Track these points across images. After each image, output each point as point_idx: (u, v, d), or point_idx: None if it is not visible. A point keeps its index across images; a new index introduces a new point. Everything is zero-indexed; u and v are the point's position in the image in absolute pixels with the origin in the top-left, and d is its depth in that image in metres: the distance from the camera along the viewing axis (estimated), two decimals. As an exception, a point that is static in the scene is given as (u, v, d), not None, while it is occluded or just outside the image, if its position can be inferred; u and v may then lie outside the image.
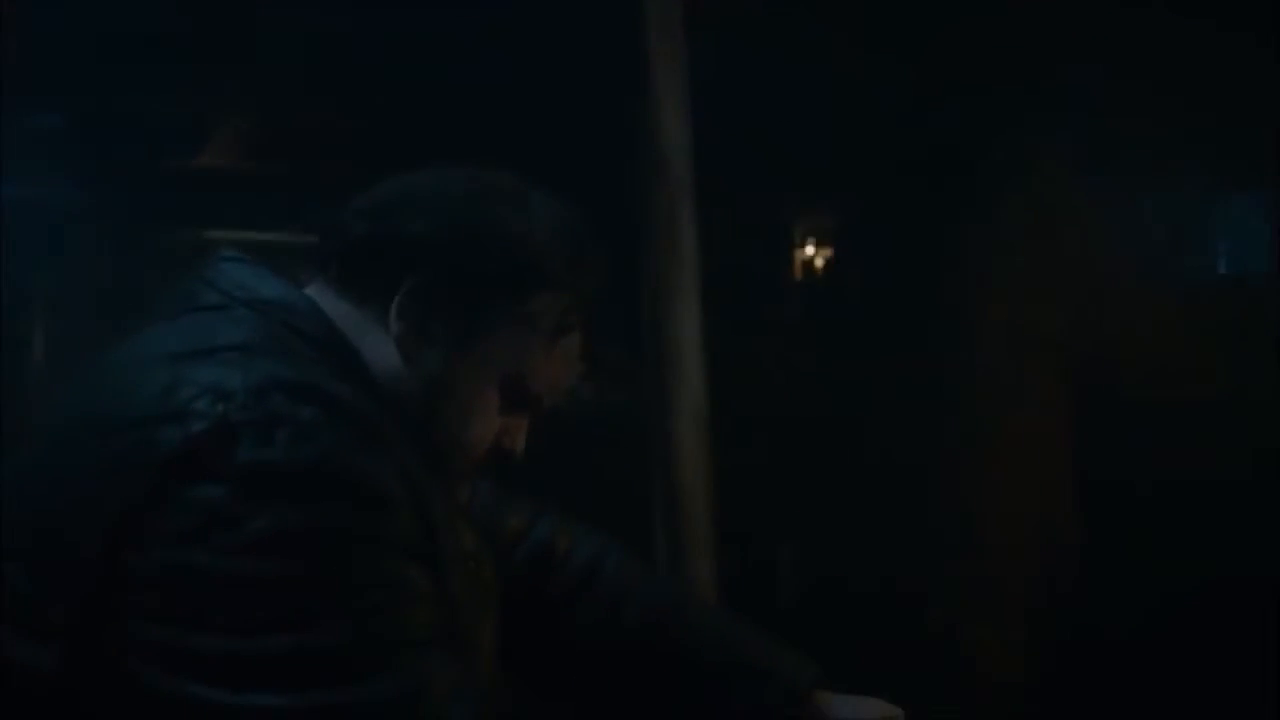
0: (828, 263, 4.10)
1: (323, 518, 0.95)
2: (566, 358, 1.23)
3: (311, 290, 1.17)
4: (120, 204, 3.67)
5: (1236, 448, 3.06)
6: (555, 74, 3.33)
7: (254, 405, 0.97)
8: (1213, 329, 3.45)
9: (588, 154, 3.12)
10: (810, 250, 4.10)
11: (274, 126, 4.09)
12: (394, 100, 3.49)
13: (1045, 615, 2.95)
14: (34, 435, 1.08)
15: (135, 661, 0.92)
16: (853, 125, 3.53)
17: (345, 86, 3.60)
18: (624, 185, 2.69)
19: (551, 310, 1.19)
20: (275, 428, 0.96)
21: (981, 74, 2.96)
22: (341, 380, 1.05)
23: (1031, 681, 2.90)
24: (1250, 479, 3.11)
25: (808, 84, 3.66)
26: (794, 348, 3.89)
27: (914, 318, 3.11)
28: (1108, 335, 2.93)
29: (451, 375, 1.16)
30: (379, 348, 1.14)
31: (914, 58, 3.42)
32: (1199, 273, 3.86)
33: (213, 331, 1.06)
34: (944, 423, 2.96)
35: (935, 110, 3.35)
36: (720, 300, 2.77)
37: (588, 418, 3.26)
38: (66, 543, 0.95)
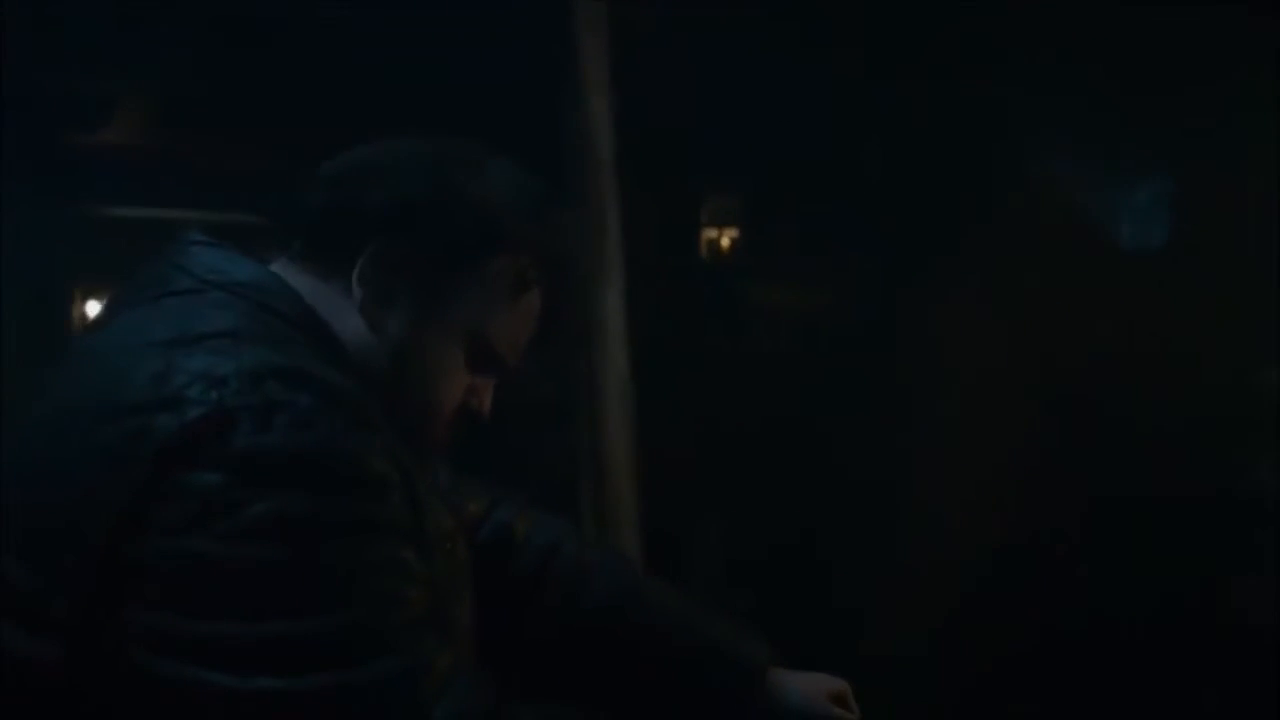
0: (734, 243, 4.18)
1: (322, 503, 0.96)
2: (527, 316, 1.24)
3: (277, 267, 1.18)
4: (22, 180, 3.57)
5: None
6: (482, 58, 3.30)
7: (249, 391, 0.97)
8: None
9: (513, 139, 3.12)
10: (718, 234, 4.17)
11: (176, 103, 4.00)
12: (309, 76, 3.44)
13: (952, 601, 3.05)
14: (17, 425, 1.07)
15: (138, 650, 0.93)
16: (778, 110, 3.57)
17: (257, 65, 3.54)
18: (550, 169, 2.71)
19: (509, 270, 1.21)
20: (273, 414, 0.97)
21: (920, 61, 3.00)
22: (321, 360, 1.07)
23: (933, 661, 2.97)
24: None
25: (724, 67, 3.70)
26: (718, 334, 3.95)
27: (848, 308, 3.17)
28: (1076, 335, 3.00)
29: (415, 339, 1.17)
30: (347, 320, 1.16)
31: (837, 42, 3.49)
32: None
33: (196, 317, 1.06)
34: (869, 407, 3.03)
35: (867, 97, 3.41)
36: (644, 283, 2.81)
37: (514, 398, 3.27)
38: (66, 535, 0.95)
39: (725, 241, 4.17)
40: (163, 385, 0.98)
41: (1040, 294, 3.01)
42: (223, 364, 0.99)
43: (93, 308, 5.41)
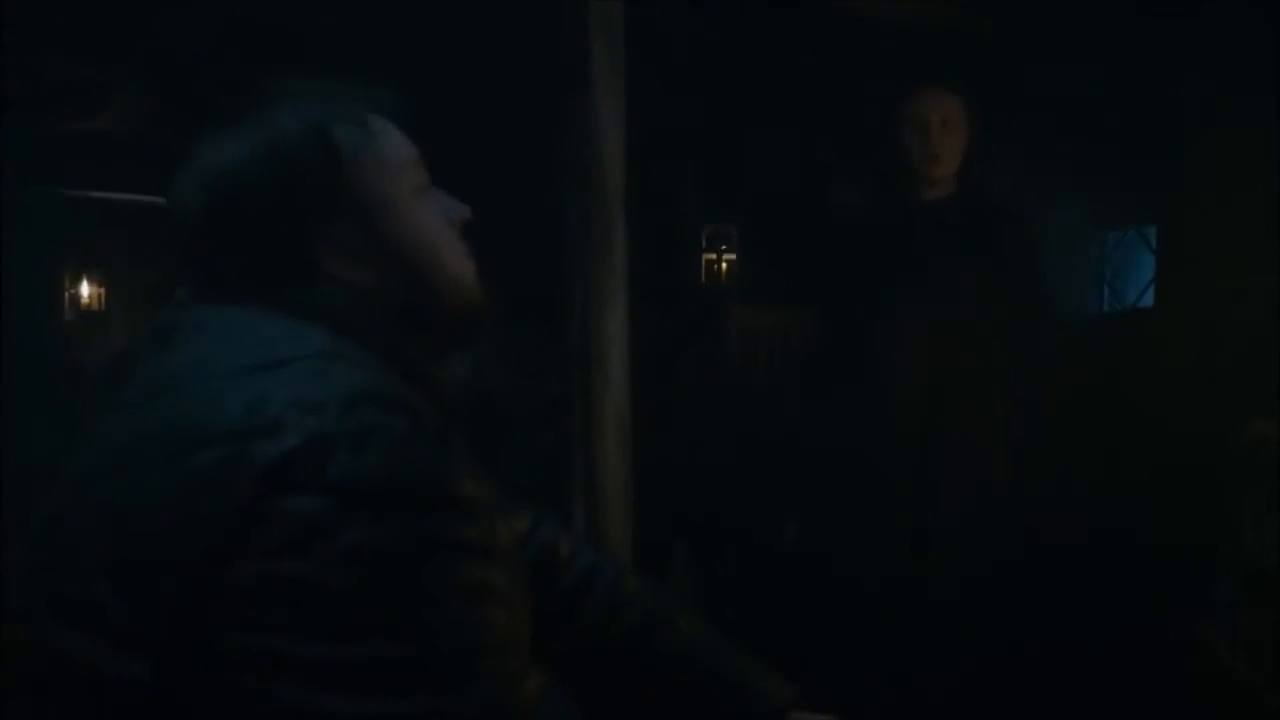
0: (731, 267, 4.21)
1: (417, 528, 0.99)
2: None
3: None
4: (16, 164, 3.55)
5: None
6: (494, 75, 3.30)
7: (345, 416, 1.00)
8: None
9: (523, 159, 3.15)
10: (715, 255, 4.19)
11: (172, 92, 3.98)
12: (309, 71, 3.43)
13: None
14: (89, 453, 1.08)
15: (248, 673, 0.95)
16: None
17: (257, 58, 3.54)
18: (557, 190, 2.72)
19: None
20: (369, 439, 0.99)
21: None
22: (397, 379, 1.10)
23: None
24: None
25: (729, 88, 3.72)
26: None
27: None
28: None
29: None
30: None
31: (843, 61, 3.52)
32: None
33: (278, 341, 1.09)
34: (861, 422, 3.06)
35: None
36: (644, 303, 2.82)
37: (509, 414, 3.30)
38: (161, 560, 0.97)
39: (723, 266, 4.20)
40: (257, 412, 1.00)
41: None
42: (315, 389, 1.02)
43: (85, 290, 5.40)
